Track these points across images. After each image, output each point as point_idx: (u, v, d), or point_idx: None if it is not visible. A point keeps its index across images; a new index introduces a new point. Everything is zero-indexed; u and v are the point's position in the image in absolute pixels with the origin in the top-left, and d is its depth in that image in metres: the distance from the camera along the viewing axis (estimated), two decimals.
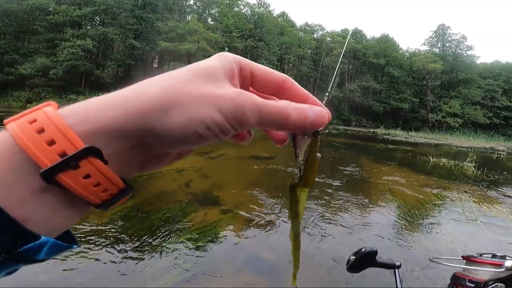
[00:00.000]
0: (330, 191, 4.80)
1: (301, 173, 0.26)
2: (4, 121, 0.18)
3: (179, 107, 0.20)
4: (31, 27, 21.67)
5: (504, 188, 6.21)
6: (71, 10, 21.26)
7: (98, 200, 0.19)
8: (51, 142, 0.17)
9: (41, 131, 0.17)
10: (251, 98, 0.22)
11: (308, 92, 0.27)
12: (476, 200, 5.03)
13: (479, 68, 37.10)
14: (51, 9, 21.52)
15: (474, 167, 8.42)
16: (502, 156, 13.54)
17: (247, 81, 0.26)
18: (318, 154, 0.26)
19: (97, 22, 24.50)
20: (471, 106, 34.12)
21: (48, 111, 0.18)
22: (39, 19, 21.63)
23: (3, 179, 0.16)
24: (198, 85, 0.21)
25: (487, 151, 15.54)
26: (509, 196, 5.57)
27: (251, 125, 0.22)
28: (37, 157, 0.17)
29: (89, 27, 23.85)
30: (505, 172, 8.37)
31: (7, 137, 0.17)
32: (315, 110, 0.24)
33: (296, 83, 0.27)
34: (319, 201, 4.24)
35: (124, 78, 23.33)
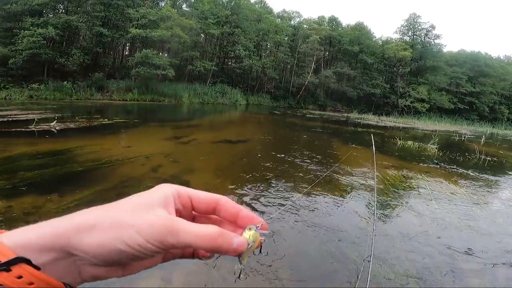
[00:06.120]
0: (299, 169, 4.93)
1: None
2: None
3: (100, 230, 0.26)
4: None
5: (461, 168, 6.65)
6: None
7: None
8: None
9: None
10: (172, 223, 0.27)
11: (240, 207, 0.33)
12: (433, 179, 5.37)
13: (445, 56, 38.87)
14: None
15: (437, 148, 8.96)
16: (463, 138, 14.48)
17: (187, 206, 0.33)
18: (257, 251, 0.32)
19: (60, 10, 22.86)
20: (438, 92, 35.96)
21: None
22: None
23: None
24: (126, 215, 0.27)
25: (451, 134, 16.54)
26: (464, 175, 6.00)
27: (174, 246, 0.27)
28: None
29: (51, 15, 22.22)
30: (466, 154, 8.96)
31: None
32: (238, 240, 0.29)
33: (230, 200, 0.34)
34: (285, 182, 4.35)
35: (91, 66, 22.10)
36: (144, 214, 0.27)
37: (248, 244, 0.30)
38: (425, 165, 6.62)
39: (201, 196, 0.33)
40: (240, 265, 0.31)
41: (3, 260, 0.23)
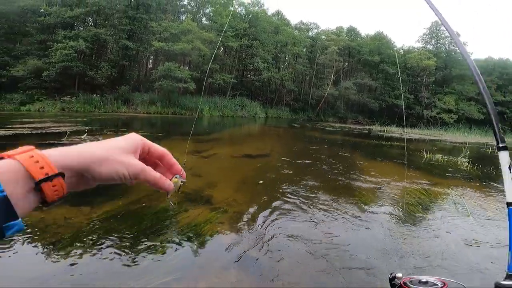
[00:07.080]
0: (320, 188, 4.80)
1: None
2: (6, 153, 0.33)
3: (108, 164, 0.39)
4: (22, 29, 21.37)
5: (497, 183, 6.23)
6: (63, 11, 20.94)
7: (52, 200, 0.34)
8: (42, 168, 0.33)
9: (36, 162, 0.33)
10: (145, 169, 0.43)
11: (175, 161, 0.51)
12: (469, 195, 5.04)
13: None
14: (42, 10, 21.17)
15: (468, 162, 8.45)
16: (496, 151, 13.61)
17: (145, 152, 0.47)
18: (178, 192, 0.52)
19: (90, 23, 24.31)
20: (466, 102, 34.37)
21: (38, 152, 0.34)
22: (31, 21, 21.35)
23: (14, 183, 0.31)
24: (120, 155, 0.41)
25: (481, 147, 15.64)
26: (501, 191, 5.60)
27: (140, 179, 0.43)
28: (35, 174, 0.32)
29: (81, 28, 23.63)
30: (500, 167, 8.36)
31: (16, 163, 0.32)
32: (169, 183, 0.47)
33: (170, 155, 0.50)
34: (309, 201, 4.24)
35: (118, 79, 23.16)
36: (128, 157, 0.42)
37: (173, 186, 0.48)
38: (457, 180, 6.25)
39: (156, 149, 0.48)
40: (168, 197, 0.49)
41: (51, 173, 0.33)
